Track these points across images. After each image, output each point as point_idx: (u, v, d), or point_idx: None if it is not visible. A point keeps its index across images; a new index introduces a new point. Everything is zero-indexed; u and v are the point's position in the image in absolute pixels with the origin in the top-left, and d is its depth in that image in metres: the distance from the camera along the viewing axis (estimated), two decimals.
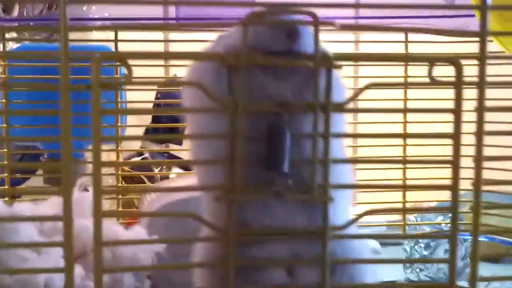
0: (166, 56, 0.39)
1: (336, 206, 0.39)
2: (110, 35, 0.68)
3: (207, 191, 0.41)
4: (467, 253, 0.91)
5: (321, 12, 0.36)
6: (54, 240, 0.56)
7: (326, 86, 0.36)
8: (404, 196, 0.79)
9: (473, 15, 0.67)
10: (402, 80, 0.65)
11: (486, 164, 0.39)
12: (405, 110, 0.40)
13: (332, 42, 0.45)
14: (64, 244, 0.39)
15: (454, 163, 0.38)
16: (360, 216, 0.38)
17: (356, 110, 0.37)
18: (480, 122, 0.39)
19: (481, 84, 0.38)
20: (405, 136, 0.45)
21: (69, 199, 0.39)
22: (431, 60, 0.38)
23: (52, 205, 0.61)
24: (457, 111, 0.38)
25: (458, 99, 0.38)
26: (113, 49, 0.70)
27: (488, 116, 0.39)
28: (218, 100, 0.36)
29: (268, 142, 0.36)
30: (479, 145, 0.39)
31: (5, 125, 0.69)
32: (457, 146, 0.38)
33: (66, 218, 0.39)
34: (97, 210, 0.37)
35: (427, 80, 0.38)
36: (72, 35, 0.84)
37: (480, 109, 0.39)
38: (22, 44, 0.78)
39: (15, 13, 0.87)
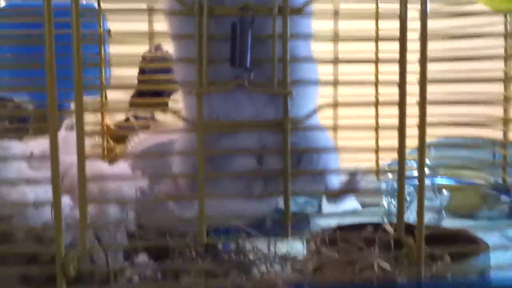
0: None
1: (300, 101, 0.44)
2: None
3: (181, 87, 0.46)
4: (443, 206, 0.96)
5: None
6: (43, 172, 0.61)
7: None
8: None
9: None
10: None
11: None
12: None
13: None
14: (52, 180, 0.43)
15: (400, 62, 0.43)
16: (319, 108, 0.43)
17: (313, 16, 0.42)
18: (423, 24, 0.43)
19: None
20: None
21: (55, 134, 0.43)
22: None
23: (39, 144, 0.66)
24: (402, 15, 0.43)
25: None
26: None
27: None
28: (184, 3, 0.41)
29: (232, 40, 0.41)
30: (423, 45, 0.43)
31: None
32: (403, 46, 0.43)
33: (53, 153, 0.43)
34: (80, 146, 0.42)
35: None
36: None
37: (424, 13, 0.43)
38: (10, 1, 0.82)
39: None
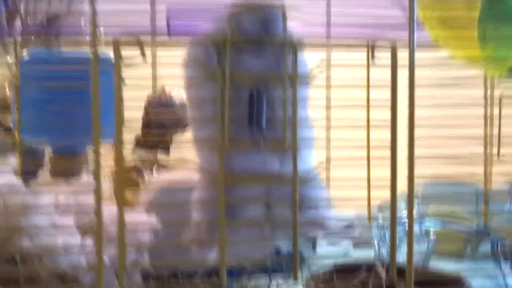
0: (172, 44, 0.51)
1: (301, 156, 0.51)
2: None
3: (203, 144, 0.53)
4: (430, 248, 1.03)
5: None
6: (68, 214, 0.68)
7: (293, 63, 0.49)
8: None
9: None
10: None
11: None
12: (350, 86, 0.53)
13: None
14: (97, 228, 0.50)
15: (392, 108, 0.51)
16: (321, 164, 0.51)
17: (314, 83, 0.51)
18: (411, 91, 0.51)
19: (411, 65, 0.51)
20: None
21: (100, 186, 0.50)
22: (374, 46, 0.52)
23: (63, 191, 0.73)
24: (393, 86, 0.51)
25: (394, 76, 0.51)
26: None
27: None
28: (210, 72, 0.49)
29: (250, 105, 0.49)
30: (411, 110, 0.51)
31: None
32: (394, 110, 0.51)
33: (97, 203, 0.50)
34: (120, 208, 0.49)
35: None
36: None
37: (412, 84, 0.51)
38: (32, 50, 0.90)
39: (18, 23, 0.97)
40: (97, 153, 0.50)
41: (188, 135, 1.00)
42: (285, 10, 0.50)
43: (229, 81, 0.49)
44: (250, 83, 0.51)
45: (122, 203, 0.51)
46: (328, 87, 0.70)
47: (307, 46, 0.53)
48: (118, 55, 0.47)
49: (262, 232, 0.54)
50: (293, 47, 0.50)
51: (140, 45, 0.48)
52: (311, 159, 0.56)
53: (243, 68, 0.52)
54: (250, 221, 0.53)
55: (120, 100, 0.48)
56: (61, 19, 0.92)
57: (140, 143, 1.10)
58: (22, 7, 0.87)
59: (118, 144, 0.49)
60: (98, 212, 0.50)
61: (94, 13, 0.47)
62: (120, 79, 0.48)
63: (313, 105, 0.56)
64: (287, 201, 0.51)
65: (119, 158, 0.50)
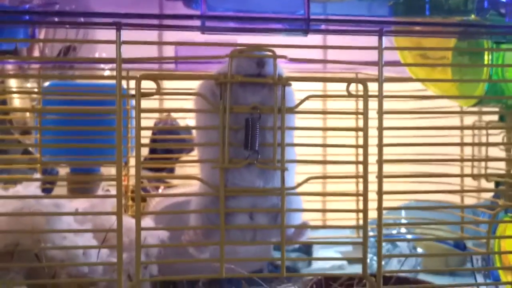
0: (183, 77, 0.66)
1: (287, 174, 0.66)
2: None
3: (207, 163, 0.68)
4: (418, 261, 1.18)
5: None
6: (86, 224, 0.82)
7: (282, 96, 0.64)
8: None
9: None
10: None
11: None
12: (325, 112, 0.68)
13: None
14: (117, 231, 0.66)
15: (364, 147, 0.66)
16: (304, 181, 0.66)
17: (299, 112, 0.66)
18: (380, 120, 0.66)
19: (380, 96, 0.66)
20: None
21: (121, 197, 0.65)
22: (349, 80, 0.66)
23: (81, 203, 0.87)
24: (365, 114, 0.66)
25: (366, 106, 0.66)
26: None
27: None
28: (213, 105, 0.63)
29: (246, 131, 0.64)
30: (380, 133, 0.66)
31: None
32: (366, 135, 0.66)
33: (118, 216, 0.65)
34: (137, 215, 0.64)
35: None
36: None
37: (380, 112, 0.66)
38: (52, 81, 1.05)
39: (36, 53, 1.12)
40: (119, 170, 0.64)
41: (191, 158, 1.15)
42: (276, 54, 0.64)
43: (229, 112, 0.64)
44: (246, 113, 0.66)
45: (139, 213, 0.64)
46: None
47: (294, 81, 0.67)
48: (139, 90, 0.62)
49: (245, 236, 0.71)
50: (281, 84, 0.64)
51: (157, 82, 0.62)
52: (293, 177, 0.71)
53: (241, 101, 0.67)
54: (241, 226, 0.70)
55: (139, 129, 0.62)
56: (76, 50, 1.07)
57: (146, 166, 1.25)
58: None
59: (138, 163, 0.64)
60: (119, 219, 0.64)
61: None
62: (140, 112, 0.62)
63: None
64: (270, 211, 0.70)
65: (138, 174, 0.64)
